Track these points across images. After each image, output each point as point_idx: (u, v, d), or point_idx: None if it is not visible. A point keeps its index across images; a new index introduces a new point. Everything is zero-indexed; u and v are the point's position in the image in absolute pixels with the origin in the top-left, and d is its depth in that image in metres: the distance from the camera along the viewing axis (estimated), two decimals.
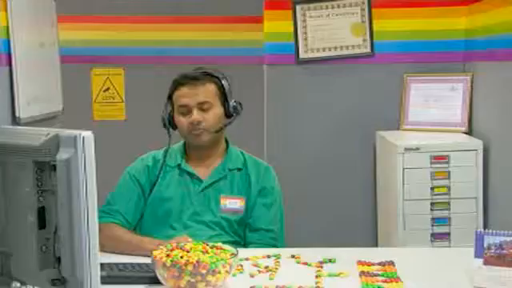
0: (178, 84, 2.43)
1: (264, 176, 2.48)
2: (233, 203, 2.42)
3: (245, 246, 2.42)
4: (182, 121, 2.41)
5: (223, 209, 2.41)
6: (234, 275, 1.92)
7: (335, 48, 3.91)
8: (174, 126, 2.45)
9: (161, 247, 1.90)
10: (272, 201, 2.46)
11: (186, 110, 2.40)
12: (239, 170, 2.47)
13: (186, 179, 2.45)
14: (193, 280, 1.77)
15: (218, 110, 2.42)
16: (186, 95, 2.40)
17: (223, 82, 2.43)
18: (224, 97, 2.43)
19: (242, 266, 2.04)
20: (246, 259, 2.12)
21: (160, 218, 2.42)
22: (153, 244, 2.12)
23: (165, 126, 2.44)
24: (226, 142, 2.52)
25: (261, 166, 2.51)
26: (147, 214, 2.44)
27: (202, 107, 2.39)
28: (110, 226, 2.35)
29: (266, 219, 2.43)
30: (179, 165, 2.46)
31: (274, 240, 2.43)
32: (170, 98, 2.45)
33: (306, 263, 2.10)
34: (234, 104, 2.44)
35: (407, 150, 3.37)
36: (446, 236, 3.38)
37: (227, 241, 2.32)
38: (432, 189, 3.36)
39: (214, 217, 2.40)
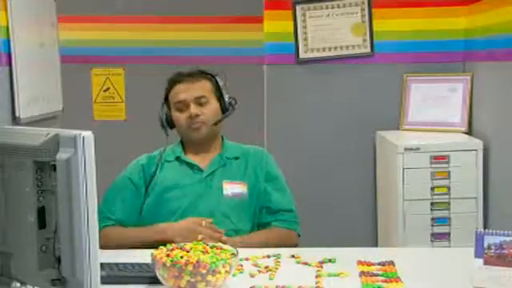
0: (173, 82, 2.51)
1: (266, 161, 2.55)
2: (235, 188, 2.46)
3: (260, 228, 2.48)
4: (179, 116, 2.47)
5: (226, 194, 2.44)
6: (234, 275, 1.92)
7: (335, 48, 3.91)
8: (172, 126, 2.50)
9: (161, 247, 1.90)
10: (283, 184, 2.55)
11: (184, 106, 2.46)
12: (237, 158, 2.52)
13: (186, 169, 2.49)
14: (193, 280, 1.77)
15: (214, 104, 2.49)
16: (183, 91, 2.47)
17: (217, 78, 2.51)
18: (219, 92, 2.49)
19: (242, 265, 2.04)
20: (246, 259, 2.12)
21: (162, 209, 2.44)
22: (140, 231, 2.27)
23: (162, 125, 2.48)
24: (222, 138, 2.57)
25: (259, 152, 2.58)
26: (148, 208, 2.45)
27: (199, 101, 2.46)
28: (107, 230, 2.37)
29: (285, 200, 2.51)
30: (178, 157, 2.50)
31: (296, 218, 2.52)
32: (166, 98, 2.52)
33: (306, 263, 2.10)
34: (229, 100, 2.50)
35: (407, 150, 3.37)
36: (445, 236, 3.38)
37: (230, 228, 2.37)
38: (432, 189, 3.36)
39: (216, 203, 2.42)
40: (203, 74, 2.51)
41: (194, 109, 2.44)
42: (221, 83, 2.51)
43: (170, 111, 2.50)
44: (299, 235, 2.52)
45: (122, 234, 2.38)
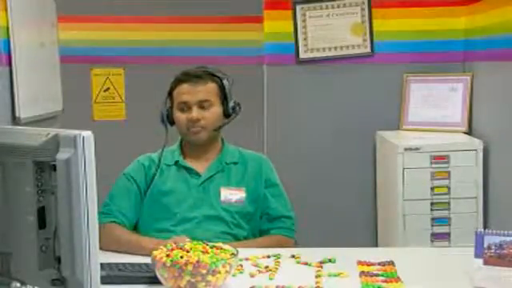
0: (179, 81, 2.47)
1: (266, 168, 2.53)
2: (233, 194, 2.45)
3: (260, 235, 2.48)
4: (180, 117, 2.44)
5: (224, 200, 2.43)
6: (234, 275, 1.92)
7: (335, 48, 3.91)
8: (172, 122, 2.48)
9: (161, 247, 1.90)
10: (282, 191, 2.54)
11: (186, 107, 2.43)
12: (235, 163, 2.50)
13: (184, 174, 2.47)
14: (193, 280, 1.77)
15: (217, 108, 2.45)
16: (187, 92, 2.43)
17: (224, 81, 2.47)
18: (224, 96, 2.46)
19: (242, 265, 2.04)
20: (246, 259, 2.12)
21: (159, 213, 2.43)
22: (152, 243, 2.14)
23: (163, 121, 2.46)
24: (222, 140, 2.55)
25: (259, 158, 2.56)
26: (145, 211, 2.45)
27: (202, 105, 2.43)
28: (111, 227, 2.35)
29: (284, 207, 2.51)
30: (177, 161, 2.49)
31: (294, 226, 2.51)
32: (169, 94, 2.49)
33: (306, 263, 2.10)
34: (233, 104, 2.47)
35: (407, 150, 3.37)
36: (445, 236, 3.38)
37: (227, 232, 2.38)
38: (432, 189, 3.37)
39: (213, 209, 2.42)
40: (210, 76, 2.46)
41: (195, 112, 2.40)
42: (227, 86, 2.46)
43: (172, 107, 2.48)
44: (296, 242, 2.52)
45: (120, 236, 2.33)
